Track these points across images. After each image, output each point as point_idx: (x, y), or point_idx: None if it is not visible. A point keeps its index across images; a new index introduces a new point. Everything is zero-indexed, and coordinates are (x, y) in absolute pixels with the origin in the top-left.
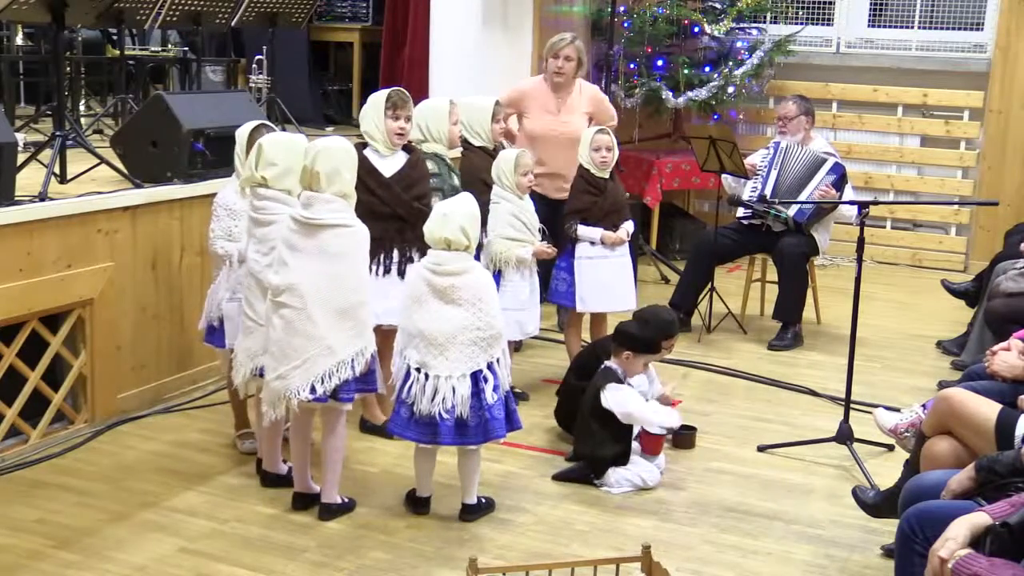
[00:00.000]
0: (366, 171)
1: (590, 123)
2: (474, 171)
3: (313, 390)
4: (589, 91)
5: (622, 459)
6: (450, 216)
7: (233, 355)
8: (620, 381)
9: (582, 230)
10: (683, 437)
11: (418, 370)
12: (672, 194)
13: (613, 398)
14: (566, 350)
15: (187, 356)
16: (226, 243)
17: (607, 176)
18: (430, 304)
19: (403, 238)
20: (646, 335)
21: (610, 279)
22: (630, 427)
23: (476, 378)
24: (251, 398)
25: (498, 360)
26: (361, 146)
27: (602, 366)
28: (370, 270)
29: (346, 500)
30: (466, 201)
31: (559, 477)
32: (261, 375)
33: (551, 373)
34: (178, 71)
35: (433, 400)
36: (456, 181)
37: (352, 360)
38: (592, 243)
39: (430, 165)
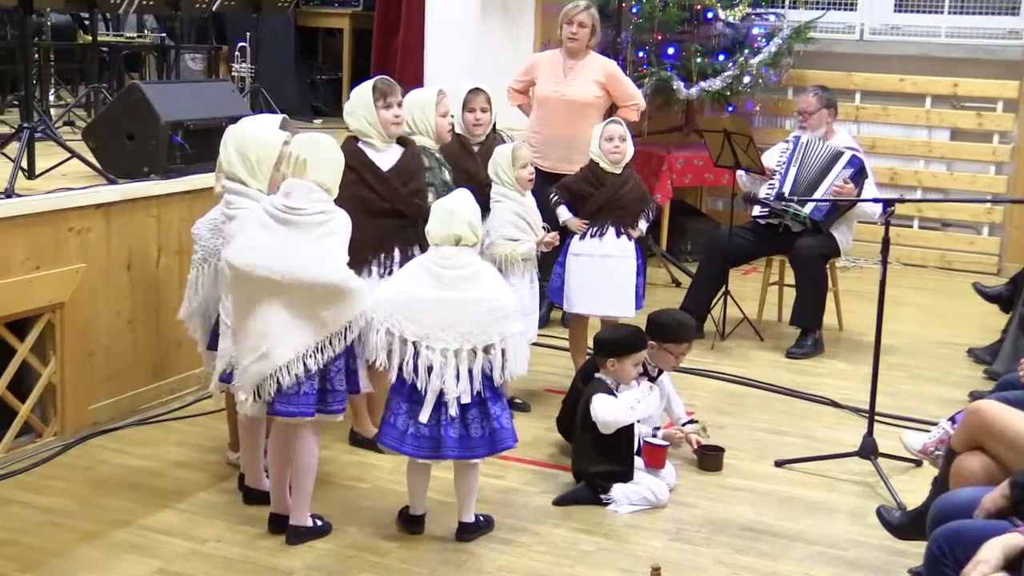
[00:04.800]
0: (362, 165)
1: (610, 111)
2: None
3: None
4: (604, 63)
5: (625, 476)
6: (457, 212)
7: (212, 356)
8: (611, 392)
9: (560, 209)
10: (708, 458)
11: (415, 344)
12: (684, 191)
13: (600, 407)
14: (571, 360)
15: (164, 364)
16: None
17: (618, 171)
18: (434, 291)
19: (404, 236)
20: (620, 336)
21: (604, 281)
22: (625, 441)
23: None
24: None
25: (514, 335)
26: (354, 139)
27: (594, 378)
28: (370, 272)
29: (319, 523)
30: (467, 197)
31: (560, 501)
32: (226, 380)
33: (554, 383)
34: (155, 59)
35: (443, 377)
36: (447, 176)
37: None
38: (581, 237)
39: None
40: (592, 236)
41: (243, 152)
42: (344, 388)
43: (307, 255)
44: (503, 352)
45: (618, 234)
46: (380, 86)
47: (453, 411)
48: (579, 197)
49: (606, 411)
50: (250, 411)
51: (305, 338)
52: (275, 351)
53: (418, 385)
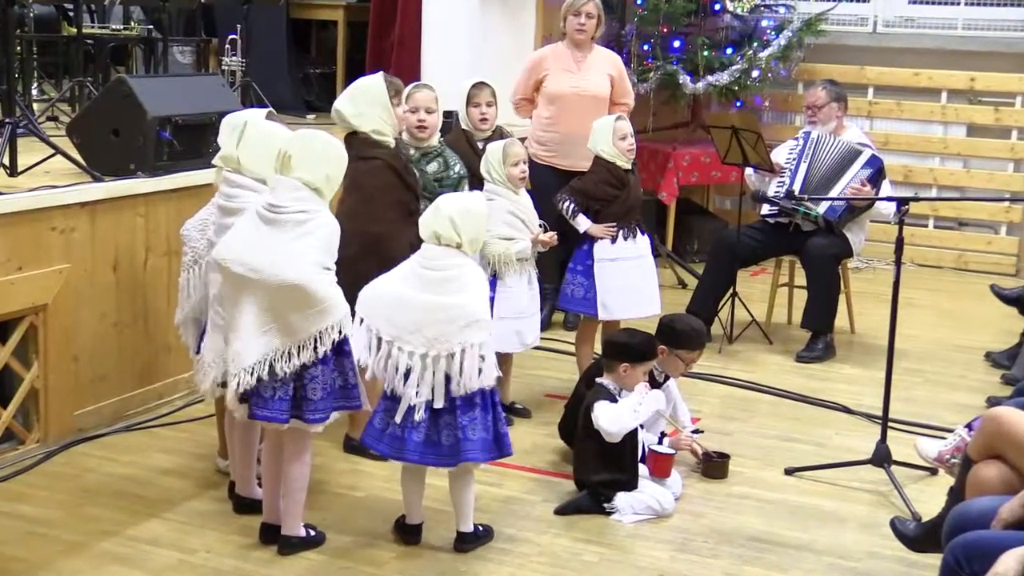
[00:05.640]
0: (404, 168)
1: (612, 102)
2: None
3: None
4: (611, 55)
5: (629, 485)
6: (441, 209)
7: (200, 358)
8: (612, 399)
9: (580, 218)
10: (714, 465)
11: (390, 343)
12: (690, 190)
13: (603, 417)
14: (576, 363)
15: (151, 368)
16: None
17: (630, 168)
18: (411, 292)
19: None
20: (637, 341)
21: (635, 282)
22: (629, 449)
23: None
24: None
25: (473, 346)
26: (363, 138)
27: (596, 383)
28: None
29: (312, 533)
30: (467, 197)
31: (561, 511)
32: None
33: (556, 387)
34: (142, 52)
35: (407, 381)
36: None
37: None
38: (613, 241)
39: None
40: (626, 239)
41: (278, 150)
42: (319, 398)
43: (278, 254)
44: (461, 363)
45: (642, 232)
46: (393, 84)
47: (418, 415)
48: (598, 200)
49: (611, 421)
50: (236, 412)
51: (273, 341)
52: (244, 351)
53: (386, 386)
